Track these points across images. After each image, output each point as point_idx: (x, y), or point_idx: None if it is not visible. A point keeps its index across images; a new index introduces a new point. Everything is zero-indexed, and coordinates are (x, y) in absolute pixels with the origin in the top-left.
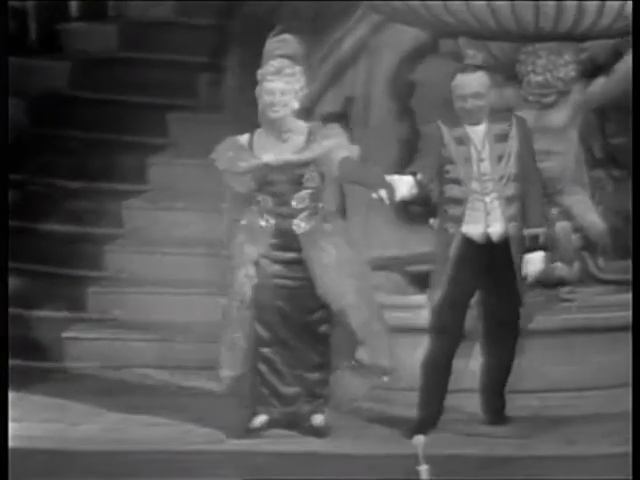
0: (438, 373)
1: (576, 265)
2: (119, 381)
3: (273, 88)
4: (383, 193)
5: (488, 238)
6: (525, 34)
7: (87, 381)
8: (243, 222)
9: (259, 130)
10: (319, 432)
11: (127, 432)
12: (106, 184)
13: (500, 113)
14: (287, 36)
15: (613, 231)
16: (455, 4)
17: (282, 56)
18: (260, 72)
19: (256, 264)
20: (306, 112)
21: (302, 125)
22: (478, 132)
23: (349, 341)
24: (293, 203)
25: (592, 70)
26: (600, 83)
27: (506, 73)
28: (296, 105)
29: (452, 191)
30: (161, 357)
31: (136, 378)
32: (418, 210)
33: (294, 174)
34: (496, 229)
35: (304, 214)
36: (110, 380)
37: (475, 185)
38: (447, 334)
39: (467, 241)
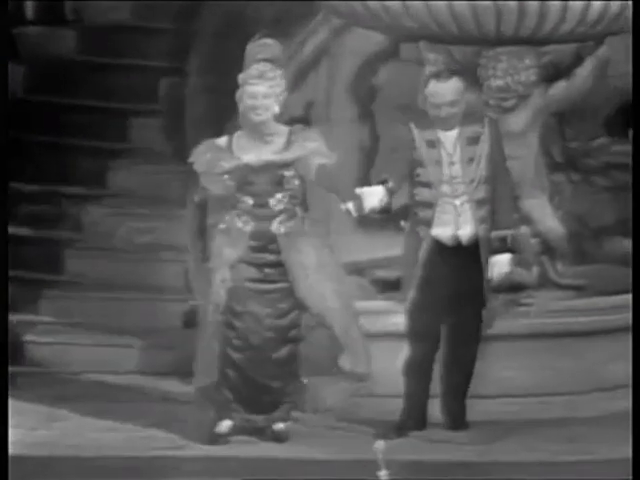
0: (418, 377)
1: (535, 270)
2: (79, 385)
3: (256, 92)
4: (350, 206)
5: (458, 241)
6: (486, 38)
7: (46, 385)
8: (222, 226)
9: (238, 133)
10: (279, 437)
11: (87, 437)
12: (65, 188)
13: (472, 115)
14: (268, 40)
15: (572, 236)
16: (416, 8)
17: (264, 60)
18: (242, 76)
19: (232, 268)
20: None
21: (283, 128)
22: (449, 135)
23: (329, 346)
24: (272, 204)
25: (553, 74)
26: (561, 87)
27: (467, 77)
28: (277, 109)
29: (422, 194)
30: (122, 362)
31: (95, 383)
32: (378, 217)
33: (274, 175)
34: (466, 232)
35: (283, 216)
36: (70, 385)
37: (445, 188)
38: (423, 338)
39: (437, 244)
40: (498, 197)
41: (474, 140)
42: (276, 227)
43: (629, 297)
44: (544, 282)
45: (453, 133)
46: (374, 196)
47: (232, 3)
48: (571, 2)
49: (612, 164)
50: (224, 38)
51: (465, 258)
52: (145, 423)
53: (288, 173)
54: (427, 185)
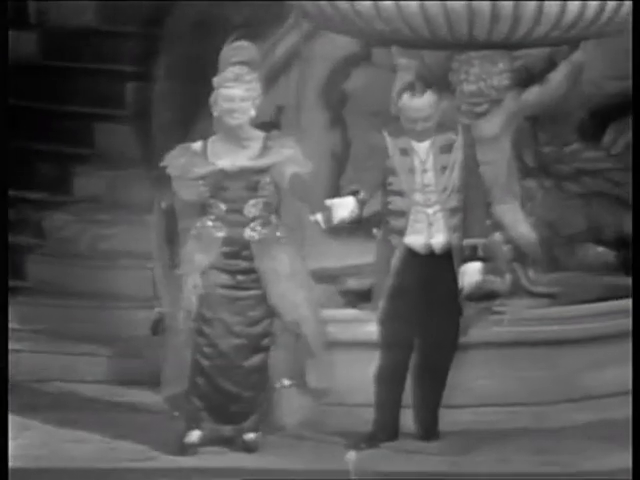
0: (390, 387)
1: (507, 277)
2: (45, 395)
3: (232, 95)
4: (319, 217)
5: (431, 249)
6: (459, 42)
7: (12, 395)
8: (193, 231)
9: (213, 138)
10: (249, 447)
11: (54, 448)
12: (28, 193)
13: (446, 123)
14: (243, 43)
15: (544, 242)
16: (388, 11)
17: (239, 63)
18: (217, 79)
19: (204, 274)
20: None
21: (259, 133)
22: (423, 143)
23: (295, 356)
24: (246, 210)
25: (526, 79)
26: (534, 92)
27: (439, 82)
28: (253, 112)
29: (395, 203)
30: (88, 371)
31: (62, 392)
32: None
33: (249, 180)
34: (439, 240)
35: (257, 222)
36: (36, 394)
37: (418, 197)
38: (395, 347)
39: (409, 252)
40: (470, 205)
41: (447, 148)
42: (249, 234)
43: (602, 305)
44: (516, 290)
45: (426, 141)
46: (344, 208)
47: (200, 6)
48: (546, 5)
49: (584, 170)
50: (192, 42)
51: (438, 267)
52: (114, 434)
53: (263, 179)
54: (400, 194)
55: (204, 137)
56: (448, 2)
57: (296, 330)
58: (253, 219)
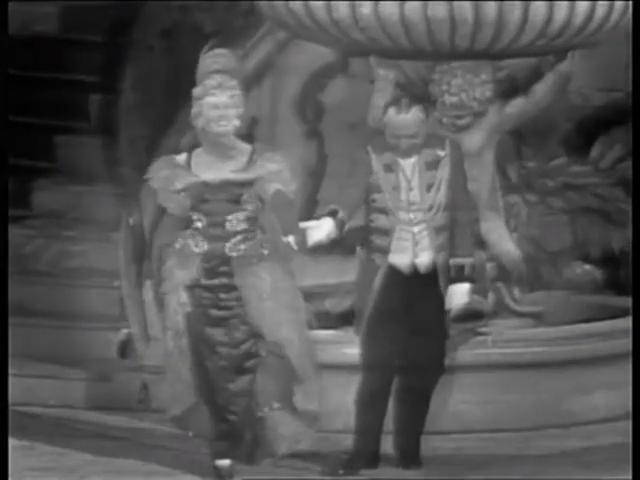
0: (371, 411)
1: (490, 297)
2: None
3: (217, 102)
4: (292, 239)
5: (415, 269)
6: (440, 52)
7: None
8: (177, 245)
9: (198, 150)
10: (222, 474)
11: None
12: None
13: (432, 136)
14: (222, 50)
15: (528, 260)
16: (366, 20)
17: (219, 71)
18: (198, 89)
19: (189, 291)
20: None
21: (245, 146)
22: (408, 159)
23: (279, 379)
24: (228, 225)
25: (510, 90)
26: (518, 104)
27: (419, 94)
28: (237, 122)
29: (379, 221)
30: (51, 394)
31: (23, 417)
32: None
33: (232, 193)
34: (424, 260)
35: (239, 237)
36: None
37: (403, 215)
38: (377, 369)
39: (393, 271)
40: (457, 224)
41: (434, 164)
42: (230, 249)
43: (589, 326)
44: (500, 310)
45: (412, 158)
46: (321, 230)
47: (170, 14)
48: (532, 13)
49: (570, 185)
50: (162, 52)
51: (423, 287)
52: (78, 460)
53: (247, 193)
54: (384, 211)
55: (173, 152)
56: (429, 10)
57: (278, 352)
58: (235, 234)
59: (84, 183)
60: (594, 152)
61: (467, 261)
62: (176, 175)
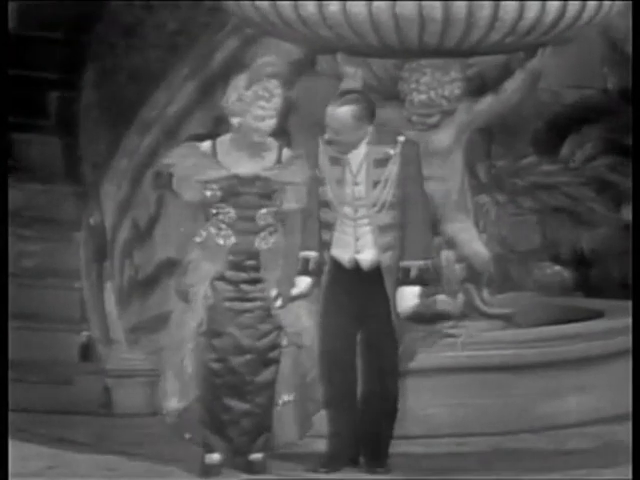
0: (342, 412)
1: (460, 297)
2: None
3: (263, 115)
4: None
5: (357, 265)
6: (409, 49)
7: None
8: (198, 239)
9: (221, 139)
10: (255, 469)
11: None
12: None
13: (386, 134)
14: (272, 57)
15: (498, 261)
16: (333, 18)
17: (272, 76)
18: (248, 93)
19: (212, 284)
20: (169, 134)
21: (273, 142)
22: (356, 154)
23: (298, 370)
24: (258, 218)
25: (479, 87)
26: (487, 102)
27: (387, 92)
28: (275, 122)
29: (325, 215)
30: (12, 398)
31: None
32: None
33: (264, 188)
34: (366, 257)
35: (267, 231)
36: None
37: (346, 209)
38: (337, 364)
39: (337, 265)
40: (408, 225)
41: (382, 162)
42: (259, 242)
43: (560, 328)
44: (469, 311)
45: (360, 152)
46: (300, 287)
47: (133, 11)
48: (502, 10)
49: (539, 184)
50: (125, 49)
51: (368, 285)
52: (35, 468)
53: (278, 189)
54: (327, 205)
55: (134, 152)
56: (397, 7)
57: (298, 342)
58: (264, 227)
59: (43, 181)
60: (564, 151)
61: (415, 264)
62: (204, 165)
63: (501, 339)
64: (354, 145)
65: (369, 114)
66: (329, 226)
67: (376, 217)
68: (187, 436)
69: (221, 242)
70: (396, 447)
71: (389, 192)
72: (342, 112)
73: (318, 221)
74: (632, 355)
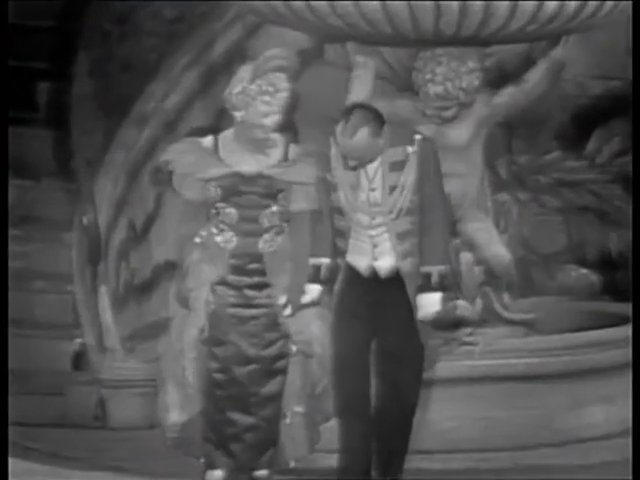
0: (354, 417)
1: (478, 303)
2: None
3: (268, 111)
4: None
5: (375, 272)
6: (424, 38)
7: None
8: (198, 239)
9: (224, 134)
10: None
11: None
12: None
13: (401, 133)
14: (281, 49)
15: (519, 263)
16: (344, 8)
17: (280, 69)
18: (252, 87)
19: (213, 289)
20: (169, 127)
21: (279, 138)
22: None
23: (307, 379)
24: (262, 219)
25: (498, 79)
26: (507, 93)
27: (401, 83)
28: (279, 118)
29: (339, 222)
30: None
31: None
32: None
33: (268, 187)
34: (384, 264)
35: (271, 233)
36: None
37: (361, 216)
38: (351, 373)
39: (353, 273)
40: (427, 230)
41: (399, 165)
42: (263, 245)
43: (585, 335)
44: (489, 317)
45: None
46: (311, 295)
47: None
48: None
49: (564, 182)
50: (118, 39)
51: (387, 293)
52: None
53: (284, 189)
54: (340, 212)
55: (130, 147)
56: None
57: (307, 351)
58: (268, 229)
59: (32, 178)
60: (591, 146)
61: (435, 269)
62: (206, 162)
63: (522, 347)
64: (373, 158)
65: (381, 123)
66: (342, 233)
67: (393, 224)
68: (188, 451)
69: (221, 244)
70: (411, 462)
71: (406, 198)
72: (358, 139)
73: (330, 227)
74: (632, 367)
